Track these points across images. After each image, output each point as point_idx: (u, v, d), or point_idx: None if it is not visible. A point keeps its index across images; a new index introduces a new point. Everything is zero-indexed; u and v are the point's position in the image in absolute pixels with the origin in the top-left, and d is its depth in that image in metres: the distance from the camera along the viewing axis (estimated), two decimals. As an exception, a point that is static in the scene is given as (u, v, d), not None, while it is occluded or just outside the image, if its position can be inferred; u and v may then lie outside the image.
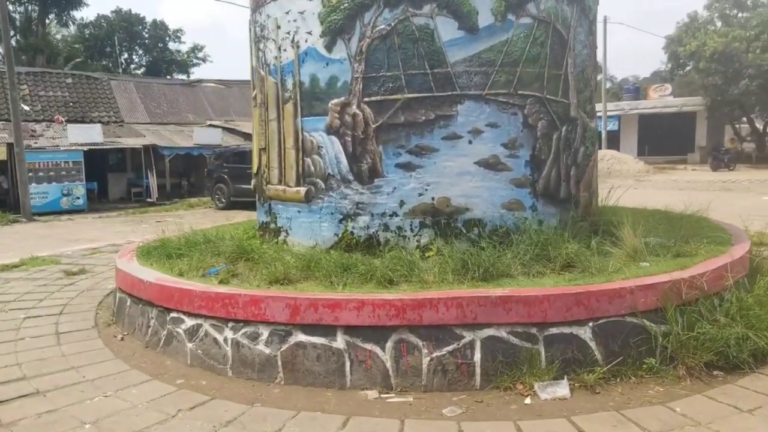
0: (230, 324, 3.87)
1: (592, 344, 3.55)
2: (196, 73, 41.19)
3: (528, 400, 3.30)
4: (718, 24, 26.68)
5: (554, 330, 3.53)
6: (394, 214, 4.60)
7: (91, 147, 18.86)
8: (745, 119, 27.80)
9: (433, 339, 3.51)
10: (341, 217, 4.75)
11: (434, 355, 3.49)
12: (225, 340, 3.88)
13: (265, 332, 3.75)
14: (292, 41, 4.89)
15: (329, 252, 4.67)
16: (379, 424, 3.05)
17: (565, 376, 3.43)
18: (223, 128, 23.52)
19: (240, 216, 14.10)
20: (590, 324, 3.56)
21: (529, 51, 4.64)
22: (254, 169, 5.75)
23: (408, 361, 3.51)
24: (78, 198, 18.03)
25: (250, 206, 16.44)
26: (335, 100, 4.68)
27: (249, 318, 3.79)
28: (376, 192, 4.63)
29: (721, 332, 3.55)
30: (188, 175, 23.34)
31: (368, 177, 4.64)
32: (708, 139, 28.43)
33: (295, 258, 4.57)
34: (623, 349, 3.57)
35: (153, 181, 20.60)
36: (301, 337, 3.66)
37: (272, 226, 5.30)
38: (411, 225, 4.59)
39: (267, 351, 3.72)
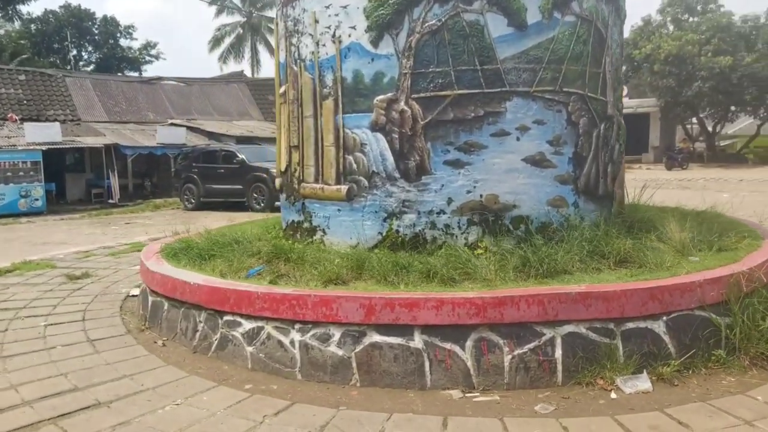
0: (297, 326, 3.75)
1: (666, 338, 3.61)
2: (149, 70, 40.01)
3: (613, 395, 3.33)
4: (671, 28, 27.78)
5: (630, 325, 3.57)
6: (442, 211, 4.56)
7: (51, 146, 18.07)
8: (695, 120, 29.03)
9: (514, 337, 3.50)
10: (386, 215, 4.67)
11: (516, 352, 3.48)
12: (292, 342, 3.75)
13: (336, 333, 3.65)
14: (333, 36, 4.78)
15: (373, 251, 4.59)
16: (480, 424, 3.01)
17: (644, 370, 3.48)
18: (187, 127, 22.91)
19: (213, 217, 13.83)
20: (664, 318, 3.62)
21: (573, 49, 4.68)
22: (280, 168, 5.61)
23: (489, 360, 3.48)
24: (37, 200, 17.27)
25: (222, 207, 16.28)
26: (381, 97, 4.60)
27: (319, 319, 3.68)
28: (423, 189, 4.58)
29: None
30: (151, 176, 22.65)
31: (415, 174, 4.58)
32: (661, 140, 29.56)
33: (342, 257, 4.47)
34: (693, 341, 3.65)
35: (115, 182, 19.90)
36: (377, 337, 3.58)
37: (306, 225, 5.17)
38: (459, 223, 4.57)
39: (340, 353, 3.62)
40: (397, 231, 4.65)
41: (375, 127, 4.65)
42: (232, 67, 40.56)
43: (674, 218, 4.91)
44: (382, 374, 3.54)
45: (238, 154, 17.05)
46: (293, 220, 5.37)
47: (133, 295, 5.79)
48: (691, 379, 3.49)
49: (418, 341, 3.53)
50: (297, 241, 5.17)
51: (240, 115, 26.95)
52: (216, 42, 39.94)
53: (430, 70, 4.51)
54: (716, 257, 4.29)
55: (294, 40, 5.16)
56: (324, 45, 4.86)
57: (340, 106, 4.78)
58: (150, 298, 4.82)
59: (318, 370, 3.66)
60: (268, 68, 38.72)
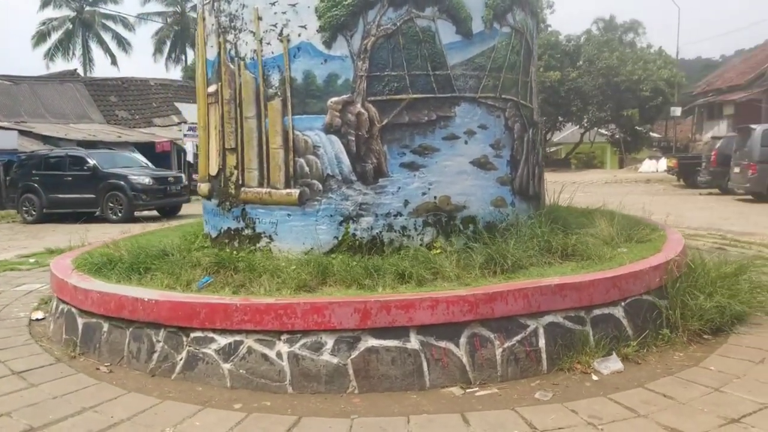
0: (284, 336, 3.57)
1: (625, 321, 4.00)
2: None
3: (594, 377, 3.62)
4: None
5: (597, 311, 3.91)
6: (399, 213, 4.61)
7: None
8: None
9: (503, 330, 3.65)
10: (342, 218, 4.61)
11: (506, 345, 3.64)
12: (278, 354, 3.56)
13: (329, 341, 3.54)
14: (280, 34, 4.61)
15: (330, 256, 4.50)
16: (499, 416, 3.11)
17: (613, 352, 3.82)
18: (18, 131, 20.45)
19: (62, 230, 12.47)
20: (622, 304, 4.01)
21: (509, 58, 4.99)
22: (208, 172, 5.27)
23: (483, 354, 3.60)
24: None
25: (69, 218, 14.68)
26: (336, 99, 4.53)
27: (310, 327, 3.54)
28: (380, 192, 4.59)
29: (708, 302, 4.23)
30: (-28, 184, 19.78)
31: (373, 177, 4.58)
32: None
33: (298, 264, 4.34)
34: (645, 323, 4.08)
35: (-71, 192, 17.15)
36: (372, 341, 3.53)
37: (247, 232, 4.91)
38: (415, 224, 4.64)
39: (335, 361, 3.51)
40: (354, 234, 4.60)
41: (329, 129, 4.57)
42: (60, 65, 36.75)
43: (586, 216, 5.44)
44: (381, 378, 3.50)
45: (89, 160, 15.59)
46: (229, 228, 5.07)
47: (38, 319, 5.08)
48: (648, 357, 3.90)
49: (414, 342, 3.55)
50: (236, 250, 4.89)
51: (78, 117, 24.61)
52: (41, 37, 36.02)
53: (386, 73, 4.54)
54: (639, 248, 4.83)
55: (229, 37, 4.89)
56: (269, 43, 4.67)
57: (289, 107, 4.63)
58: (80, 320, 4.26)
59: (311, 381, 3.51)
60: (102, 67, 35.72)
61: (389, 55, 4.53)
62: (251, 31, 4.74)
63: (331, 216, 4.61)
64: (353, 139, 4.55)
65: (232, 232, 5.04)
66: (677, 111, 30.07)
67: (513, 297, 3.65)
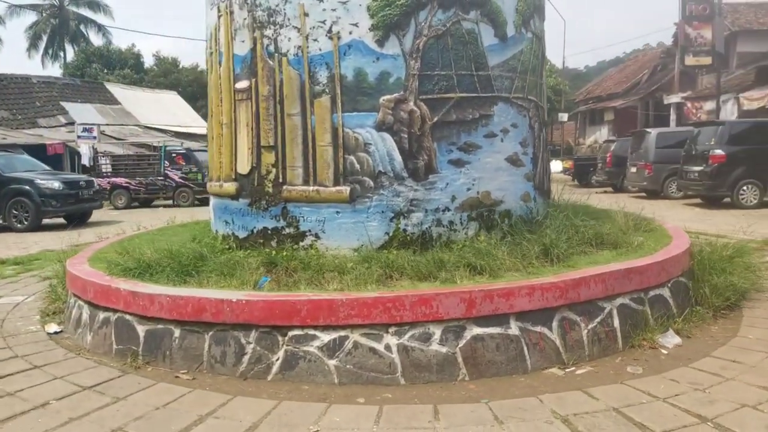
0: (392, 329, 3.60)
1: (671, 300, 4.44)
2: None
3: (663, 351, 4.00)
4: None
5: (652, 293, 4.31)
6: (447, 209, 4.76)
7: None
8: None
9: (587, 313, 3.93)
10: (392, 215, 4.68)
11: (589, 327, 3.92)
12: (387, 347, 3.59)
13: (437, 331, 3.62)
14: (329, 31, 4.60)
15: (382, 252, 4.57)
16: (618, 390, 3.37)
17: (669, 328, 4.23)
18: None
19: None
20: (668, 285, 4.45)
21: (532, 61, 5.32)
22: (230, 171, 5.12)
23: (572, 336, 3.85)
24: None
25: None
26: (388, 96, 4.60)
27: (418, 319, 3.60)
28: (430, 188, 4.72)
29: (725, 281, 4.80)
30: None
31: (424, 173, 4.69)
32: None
33: (357, 261, 4.38)
34: (683, 302, 4.55)
35: None
36: (477, 330, 3.66)
37: (289, 231, 4.82)
38: (461, 218, 4.82)
39: (444, 350, 3.60)
40: (405, 230, 4.69)
41: (381, 127, 4.62)
42: None
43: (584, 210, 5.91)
44: (488, 365, 3.64)
45: (-13, 164, 14.15)
46: (265, 227, 4.94)
47: (56, 332, 4.66)
48: (693, 331, 4.35)
49: (514, 328, 3.73)
50: (274, 250, 4.78)
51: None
52: None
53: (436, 72, 4.68)
54: (652, 236, 5.34)
55: (268, 32, 4.79)
56: (316, 40, 4.64)
57: (339, 104, 4.63)
58: (141, 328, 3.98)
59: (422, 371, 3.58)
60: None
61: (439, 55, 4.68)
62: (295, 27, 4.68)
63: (383, 212, 4.67)
64: (405, 136, 4.64)
65: (270, 232, 4.92)
66: (564, 117, 32.53)
67: (594, 282, 3.95)
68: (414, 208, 4.69)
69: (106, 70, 38.84)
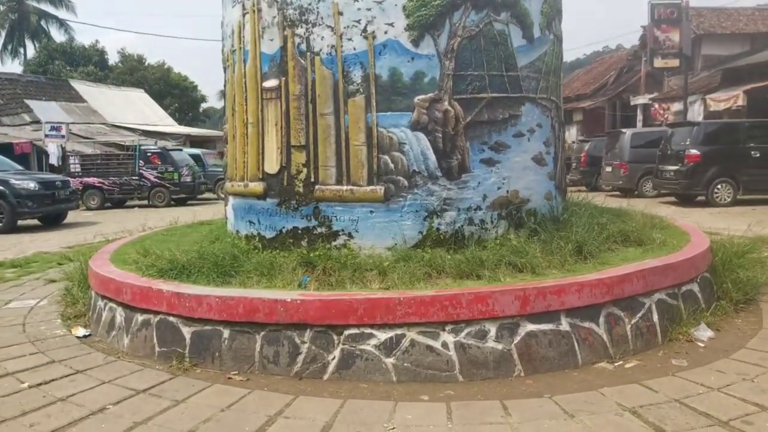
0: (449, 327, 3.64)
1: (699, 295, 4.59)
2: None
3: (700, 344, 4.13)
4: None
5: (684, 288, 4.45)
6: (479, 207, 4.82)
7: None
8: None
9: (629, 309, 4.04)
10: (426, 214, 4.71)
11: (632, 322, 4.03)
12: (444, 345, 3.62)
13: (492, 328, 3.67)
14: (364, 31, 4.60)
15: (416, 251, 4.59)
16: (670, 382, 3.47)
17: (701, 322, 4.38)
18: None
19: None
20: (697, 280, 4.60)
21: (554, 62, 5.42)
22: (257, 170, 5.08)
23: (617, 331, 3.95)
24: None
25: None
26: (422, 96, 4.63)
27: (474, 317, 3.64)
28: (463, 187, 4.76)
29: (743, 276, 4.99)
30: None
31: (457, 173, 4.74)
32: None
33: (393, 260, 4.41)
34: (709, 297, 4.71)
35: None
36: (530, 326, 3.73)
37: (321, 230, 4.81)
38: (491, 217, 4.88)
39: (500, 347, 3.66)
40: (438, 229, 4.73)
41: (416, 127, 4.65)
42: None
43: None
44: (542, 360, 3.71)
45: (-41, 164, 13.65)
46: (295, 227, 4.91)
47: (85, 336, 4.54)
48: (721, 324, 4.51)
49: (565, 324, 3.80)
50: (305, 249, 4.76)
51: None
52: None
53: (469, 72, 4.72)
54: (669, 233, 5.50)
55: (299, 31, 4.76)
56: (350, 39, 4.63)
57: (373, 103, 4.63)
58: (187, 329, 3.92)
59: (480, 368, 3.62)
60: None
61: (472, 56, 4.73)
62: (329, 26, 4.66)
63: (416, 211, 4.69)
64: (440, 135, 4.68)
65: (300, 232, 4.89)
66: (534, 117, 32.99)
67: (636, 278, 4.06)
68: (447, 207, 4.73)
69: (69, 67, 37.72)
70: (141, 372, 3.79)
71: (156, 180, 19.36)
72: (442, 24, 4.63)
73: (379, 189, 4.66)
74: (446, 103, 4.67)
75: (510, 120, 4.93)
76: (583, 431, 2.92)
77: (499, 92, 4.84)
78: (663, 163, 15.58)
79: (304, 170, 4.83)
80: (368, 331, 3.64)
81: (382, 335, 3.63)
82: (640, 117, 29.12)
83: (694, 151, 14.48)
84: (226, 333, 3.83)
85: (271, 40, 4.91)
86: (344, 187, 4.71)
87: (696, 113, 22.91)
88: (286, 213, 4.95)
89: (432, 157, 4.69)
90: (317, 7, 4.69)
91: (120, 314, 4.36)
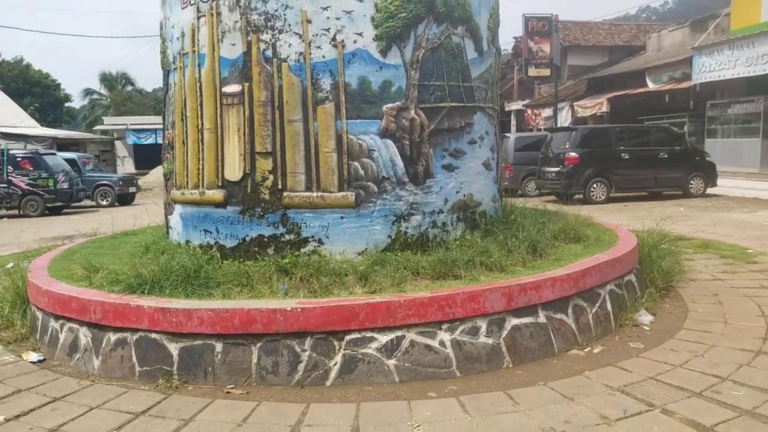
0: (445, 326, 3.82)
1: (636, 284, 5.16)
2: None
3: (645, 328, 4.67)
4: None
5: (626, 278, 4.99)
6: (441, 211, 5.07)
7: None
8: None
9: (590, 300, 4.47)
10: (395, 218, 4.87)
11: (593, 311, 4.46)
12: (441, 343, 3.80)
13: (483, 324, 3.91)
14: (333, 39, 4.67)
15: (386, 254, 4.75)
16: (638, 363, 3.91)
17: (642, 308, 4.93)
18: None
19: None
20: (634, 271, 5.16)
21: (496, 74, 5.82)
22: (215, 178, 4.97)
23: (582, 320, 4.36)
24: None
25: None
26: (390, 105, 4.79)
27: (468, 314, 3.86)
28: (428, 192, 4.98)
29: (665, 265, 5.67)
30: None
31: (422, 178, 4.95)
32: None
33: (368, 264, 4.54)
34: (641, 285, 5.31)
35: None
36: (514, 320, 4.02)
37: (289, 237, 4.80)
38: (451, 220, 5.15)
39: (490, 341, 3.91)
40: (405, 232, 4.91)
41: (385, 134, 4.80)
42: None
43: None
44: (526, 351, 4.01)
45: None
46: (260, 235, 4.86)
47: (39, 360, 4.18)
48: (654, 309, 5.10)
49: (542, 317, 4.14)
50: (272, 257, 4.74)
51: None
52: None
53: (431, 83, 4.96)
54: (597, 229, 6.10)
55: (265, 36, 4.73)
56: (319, 47, 4.68)
57: (343, 111, 4.72)
58: (174, 346, 3.76)
59: (474, 362, 3.84)
60: None
61: (434, 67, 4.96)
62: (297, 33, 4.68)
63: (386, 216, 4.84)
64: (407, 143, 4.86)
65: (266, 240, 4.85)
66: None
67: (595, 271, 4.50)
68: (414, 211, 4.92)
69: None
70: (128, 394, 3.59)
71: (28, 187, 17.66)
72: (407, 36, 4.81)
73: (350, 195, 4.74)
74: (412, 111, 4.86)
75: (466, 128, 5.22)
76: (588, 412, 3.23)
77: (457, 102, 5.11)
78: (545, 165, 16.85)
79: (271, 177, 4.79)
80: (369, 334, 3.73)
81: (383, 338, 3.74)
82: (514, 122, 31.22)
83: (573, 154, 15.80)
84: (219, 346, 3.73)
85: (233, 44, 4.82)
86: (314, 194, 4.74)
87: (564, 119, 25.01)
88: (250, 221, 4.87)
89: (400, 163, 4.85)
90: (284, 14, 4.68)
91: (85, 335, 4.07)
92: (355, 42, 4.69)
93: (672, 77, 19.99)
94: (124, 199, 21.04)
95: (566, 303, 4.30)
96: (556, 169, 16.22)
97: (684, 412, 3.16)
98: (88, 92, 46.48)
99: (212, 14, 4.88)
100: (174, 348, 3.78)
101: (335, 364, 3.71)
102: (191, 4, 5.05)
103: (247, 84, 4.78)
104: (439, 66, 4.99)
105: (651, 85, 20.48)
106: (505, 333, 3.97)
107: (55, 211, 18.50)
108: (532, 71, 25.67)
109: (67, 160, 20.14)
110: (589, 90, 24.79)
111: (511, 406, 3.33)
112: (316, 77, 4.69)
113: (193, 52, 5.07)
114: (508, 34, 43.39)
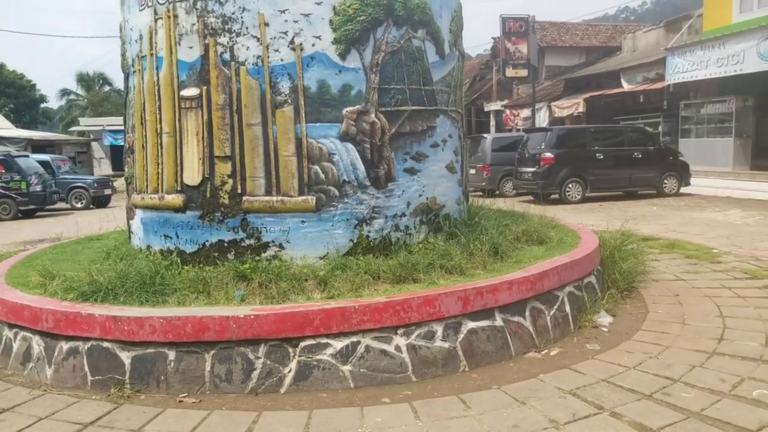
0: (400, 330, 3.82)
1: (597, 286, 5.20)
2: None
3: (604, 329, 4.71)
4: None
5: (587, 280, 5.03)
6: (403, 214, 5.06)
7: None
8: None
9: (548, 302, 4.49)
10: (356, 222, 4.86)
11: (551, 314, 4.49)
12: (397, 348, 3.80)
13: (439, 328, 3.91)
14: (291, 42, 4.65)
15: (348, 258, 4.74)
16: (593, 365, 3.94)
17: (602, 309, 4.97)
18: None
19: None
20: (594, 273, 5.20)
21: (459, 77, 5.83)
22: (174, 182, 4.92)
23: (540, 323, 4.38)
24: None
25: None
26: (351, 108, 4.77)
27: (423, 319, 3.86)
28: (390, 195, 4.98)
29: (626, 266, 5.73)
30: None
31: (384, 181, 4.94)
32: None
33: (330, 269, 4.52)
34: (602, 285, 5.36)
35: None
36: (471, 324, 4.02)
37: (250, 242, 4.76)
38: (414, 223, 5.15)
39: (446, 345, 3.91)
40: (368, 236, 4.90)
41: (345, 137, 4.78)
42: None
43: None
44: (482, 355, 4.02)
45: None
46: (220, 240, 4.82)
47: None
48: (614, 310, 5.14)
49: (499, 320, 4.15)
50: (232, 263, 4.70)
51: None
52: None
53: (392, 86, 4.95)
54: (561, 231, 6.14)
55: (222, 39, 4.69)
56: (277, 50, 4.66)
57: (302, 114, 4.69)
58: (126, 354, 3.70)
59: (430, 367, 3.84)
60: None
61: (394, 70, 4.96)
62: (255, 36, 4.64)
63: (347, 220, 4.83)
64: (368, 146, 4.85)
65: (226, 245, 4.80)
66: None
67: (552, 274, 4.52)
68: (376, 215, 4.91)
69: None
70: (78, 404, 3.54)
71: (0, 190, 17.39)
72: (366, 39, 4.80)
73: (311, 199, 4.72)
74: (373, 115, 4.84)
75: (428, 131, 5.22)
76: (537, 416, 3.24)
77: (418, 105, 5.11)
78: (521, 166, 16.95)
79: (230, 181, 4.75)
80: (324, 341, 3.72)
81: (339, 344, 3.73)
82: (493, 122, 31.36)
83: (548, 154, 15.91)
84: (171, 355, 3.69)
85: (190, 47, 4.77)
86: (274, 198, 4.71)
87: (542, 119, 25.19)
88: (209, 226, 4.83)
89: (361, 167, 4.84)
90: (242, 17, 4.64)
91: (38, 344, 4.01)
92: (313, 45, 4.67)
93: (646, 78, 20.22)
94: (100, 202, 20.79)
95: (524, 306, 4.32)
96: (532, 169, 16.32)
97: (632, 415, 3.19)
98: (64, 93, 45.83)
99: (169, 17, 4.83)
100: (126, 357, 3.73)
101: (290, 371, 3.68)
102: (149, 6, 4.99)
103: (206, 87, 4.73)
104: (400, 69, 4.98)
105: (626, 86, 20.69)
106: (461, 337, 3.97)
107: (29, 215, 18.23)
108: (510, 72, 25.81)
109: (41, 162, 19.86)
110: (566, 90, 24.98)
111: (463, 410, 3.33)
112: (274, 80, 4.66)
113: (151, 54, 5.02)
114: (487, 34, 43.56)
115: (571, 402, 3.38)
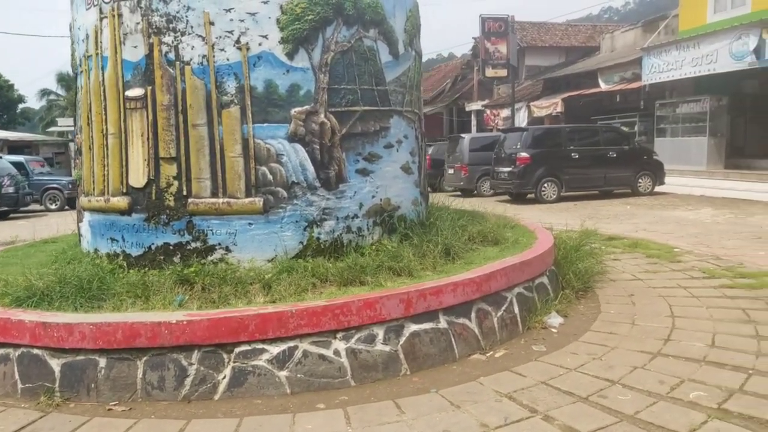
0: (340, 334, 3.76)
1: (549, 286, 5.18)
2: None
3: (553, 330, 4.69)
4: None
5: (537, 280, 5.01)
6: (356, 216, 5.01)
7: None
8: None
9: (495, 303, 4.46)
10: (306, 224, 4.80)
11: (498, 315, 4.46)
12: (336, 352, 3.74)
13: (380, 332, 3.86)
14: (237, 42, 4.58)
15: (297, 261, 4.68)
16: (536, 367, 3.91)
17: (552, 310, 4.95)
18: None
19: None
20: (546, 273, 5.18)
21: (416, 77, 5.79)
22: (119, 184, 4.83)
23: (486, 324, 4.35)
24: None
25: None
26: (299, 108, 4.71)
27: (364, 322, 3.81)
28: (341, 197, 4.92)
29: (581, 267, 5.72)
30: None
31: (335, 183, 4.88)
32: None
33: (276, 272, 4.46)
34: (555, 286, 5.34)
35: None
36: (414, 327, 3.98)
37: (195, 245, 4.68)
38: (367, 225, 5.10)
39: (387, 349, 3.86)
40: (318, 238, 4.84)
41: (294, 138, 4.72)
42: None
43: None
44: (425, 358, 3.97)
45: None
46: (166, 243, 4.74)
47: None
48: (567, 311, 5.12)
49: (443, 322, 4.11)
50: (178, 266, 4.62)
51: None
52: None
53: (342, 86, 4.90)
54: (519, 231, 6.12)
55: (167, 39, 4.61)
56: (223, 50, 4.58)
57: (249, 115, 4.63)
58: (55, 362, 3.61)
59: (370, 371, 3.79)
60: None
61: (345, 70, 4.90)
62: (200, 35, 4.57)
63: (297, 222, 4.77)
64: (317, 147, 4.79)
65: (172, 248, 4.72)
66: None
67: (500, 275, 4.49)
68: (326, 216, 4.85)
69: None
70: (5, 412, 3.45)
71: (-37, 192, 17.09)
72: (315, 38, 4.74)
73: (258, 201, 4.65)
74: (322, 115, 4.79)
75: (381, 132, 5.17)
76: (470, 420, 3.21)
77: (370, 105, 5.06)
78: (498, 165, 16.97)
79: (175, 183, 4.67)
80: (260, 346, 3.65)
81: (275, 349, 3.67)
82: (474, 122, 31.41)
83: (524, 154, 15.94)
84: (102, 362, 3.60)
85: (135, 47, 4.68)
86: (220, 200, 4.64)
87: (522, 119, 25.25)
88: (155, 228, 4.75)
89: (310, 168, 4.78)
90: (186, 16, 4.56)
91: (-28, 349, 3.90)
92: (260, 44, 4.61)
93: (623, 77, 20.33)
94: (75, 203, 20.49)
95: (469, 307, 4.28)
96: (509, 169, 16.35)
97: (565, 418, 3.16)
98: (44, 93, 45.27)
99: (114, 16, 4.74)
100: (56, 364, 3.64)
101: (224, 378, 3.61)
102: (94, 5, 4.89)
103: (150, 87, 4.65)
104: (351, 69, 4.93)
105: (603, 86, 20.80)
106: (403, 340, 3.93)
107: (1, 217, 17.94)
108: (490, 72, 25.86)
109: (14, 164, 19.57)
110: (545, 90, 25.08)
111: (396, 415, 3.29)
112: (220, 80, 4.59)
113: (97, 54, 4.92)
114: (469, 34, 43.67)
115: (506, 405, 3.35)
